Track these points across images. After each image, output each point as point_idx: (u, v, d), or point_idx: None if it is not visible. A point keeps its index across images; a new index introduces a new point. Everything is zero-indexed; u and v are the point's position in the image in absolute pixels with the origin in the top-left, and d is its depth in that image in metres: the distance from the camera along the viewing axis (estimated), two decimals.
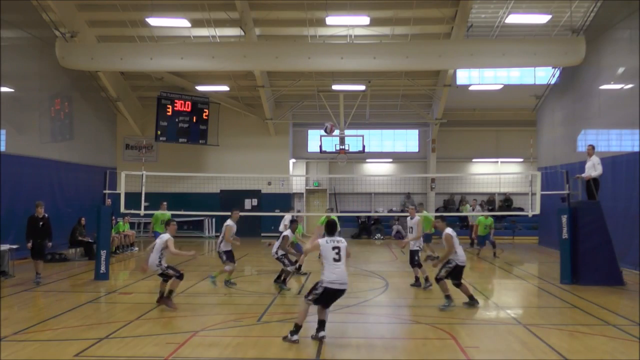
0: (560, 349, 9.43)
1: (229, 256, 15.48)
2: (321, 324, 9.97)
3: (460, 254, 12.74)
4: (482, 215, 22.99)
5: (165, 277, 12.86)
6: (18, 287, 15.46)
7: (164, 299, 12.69)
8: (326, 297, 9.88)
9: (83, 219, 21.98)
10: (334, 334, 10.44)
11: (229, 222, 15.70)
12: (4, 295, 14.33)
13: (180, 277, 12.76)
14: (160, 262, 12.73)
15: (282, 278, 15.41)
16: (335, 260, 9.86)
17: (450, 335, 10.30)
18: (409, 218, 16.14)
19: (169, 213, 21.03)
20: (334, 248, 9.91)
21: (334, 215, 18.36)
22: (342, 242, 10.06)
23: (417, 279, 15.74)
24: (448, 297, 12.69)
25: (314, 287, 9.93)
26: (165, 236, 12.89)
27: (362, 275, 17.88)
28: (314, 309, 10.07)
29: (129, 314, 11.67)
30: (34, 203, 16.56)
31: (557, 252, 17.66)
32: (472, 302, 12.79)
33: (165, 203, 21.42)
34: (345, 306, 12.98)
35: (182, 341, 9.81)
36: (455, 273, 12.80)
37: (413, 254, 15.59)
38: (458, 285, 12.90)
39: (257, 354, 9.27)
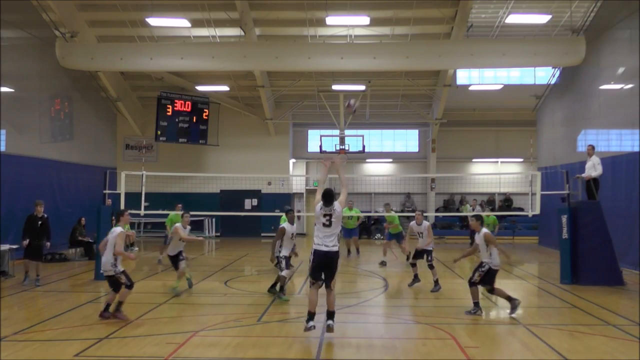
0: (560, 349, 9.43)
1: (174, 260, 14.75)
2: (329, 315, 10.05)
3: (495, 256, 12.14)
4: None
5: (114, 284, 11.53)
6: (18, 287, 15.45)
7: (115, 311, 11.36)
8: (319, 263, 10.02)
9: (83, 219, 21.98)
10: (333, 334, 10.43)
11: (177, 224, 14.97)
12: (3, 295, 14.35)
13: (130, 286, 11.48)
14: (115, 263, 11.38)
15: (278, 285, 14.16)
16: (324, 225, 10.06)
17: (450, 335, 10.28)
18: (413, 223, 15.78)
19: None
20: (325, 215, 10.07)
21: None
22: (335, 211, 10.10)
23: (415, 276, 15.57)
24: (477, 304, 12.17)
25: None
26: (118, 229, 11.59)
27: (362, 275, 17.90)
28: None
29: (128, 314, 11.59)
30: (34, 203, 16.55)
31: (557, 252, 17.67)
32: (512, 303, 12.10)
33: (180, 205, 20.87)
34: (345, 306, 13.00)
35: (182, 341, 9.79)
36: (488, 277, 12.14)
37: (424, 253, 15.33)
38: (491, 291, 12.26)
39: (257, 354, 9.25)
